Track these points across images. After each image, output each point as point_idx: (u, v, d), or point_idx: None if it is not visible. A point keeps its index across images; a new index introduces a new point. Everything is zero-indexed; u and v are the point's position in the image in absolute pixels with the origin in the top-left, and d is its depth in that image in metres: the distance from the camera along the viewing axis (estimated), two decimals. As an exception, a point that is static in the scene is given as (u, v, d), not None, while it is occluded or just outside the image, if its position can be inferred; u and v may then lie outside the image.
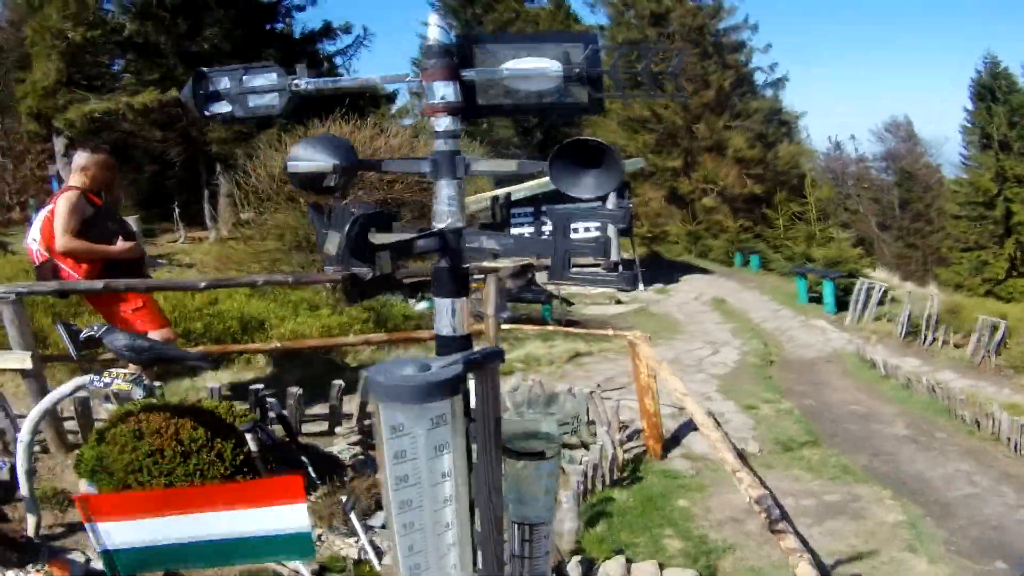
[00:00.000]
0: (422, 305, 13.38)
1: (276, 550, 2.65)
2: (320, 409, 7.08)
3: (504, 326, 8.66)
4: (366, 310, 11.58)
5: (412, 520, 1.18)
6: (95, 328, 5.39)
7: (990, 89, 37.58)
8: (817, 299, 18.43)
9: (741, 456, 6.94)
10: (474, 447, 1.28)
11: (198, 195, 25.55)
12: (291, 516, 2.49)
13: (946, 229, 41.25)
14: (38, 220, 6.09)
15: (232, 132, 22.10)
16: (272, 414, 6.19)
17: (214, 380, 7.73)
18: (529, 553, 1.55)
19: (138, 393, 5.16)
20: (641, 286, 17.27)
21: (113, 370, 5.33)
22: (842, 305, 17.46)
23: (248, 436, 5.26)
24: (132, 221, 17.94)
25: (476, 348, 1.29)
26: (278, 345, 8.59)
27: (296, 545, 2.60)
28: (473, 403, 1.27)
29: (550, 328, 12.37)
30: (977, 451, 8.94)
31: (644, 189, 33.35)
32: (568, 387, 7.98)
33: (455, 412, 1.16)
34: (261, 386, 6.61)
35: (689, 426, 8.07)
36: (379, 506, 5.41)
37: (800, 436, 8.80)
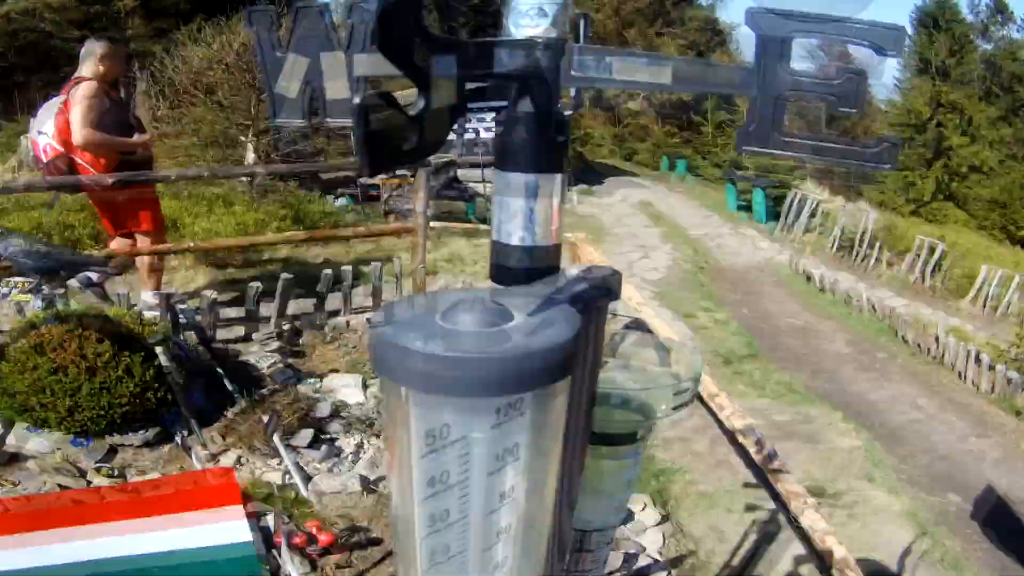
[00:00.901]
0: (341, 201, 13.09)
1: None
2: (236, 313, 6.51)
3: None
4: (283, 206, 11.11)
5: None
6: None
7: (933, 17, 37.79)
8: (746, 207, 18.23)
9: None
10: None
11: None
12: (228, 526, 1.90)
13: None
14: (48, 112, 5.75)
15: (151, 28, 21.03)
16: (184, 320, 5.62)
17: (124, 287, 7.10)
18: (579, 566, 1.07)
19: (37, 304, 4.67)
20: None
21: (11, 279, 4.81)
22: (773, 215, 17.27)
23: (158, 350, 4.71)
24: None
25: (566, 271, 0.75)
26: (191, 245, 7.92)
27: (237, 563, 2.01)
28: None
29: (473, 226, 11.93)
30: (921, 374, 8.85)
31: (567, 92, 32.73)
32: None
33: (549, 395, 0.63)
34: (173, 290, 6.04)
35: (628, 337, 7.72)
36: (303, 424, 5.00)
37: (740, 349, 8.55)
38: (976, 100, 36.99)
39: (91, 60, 5.70)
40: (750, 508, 5.20)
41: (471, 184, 14.29)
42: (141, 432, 5.01)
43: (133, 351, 4.96)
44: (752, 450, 3.83)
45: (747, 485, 4.96)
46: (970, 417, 7.74)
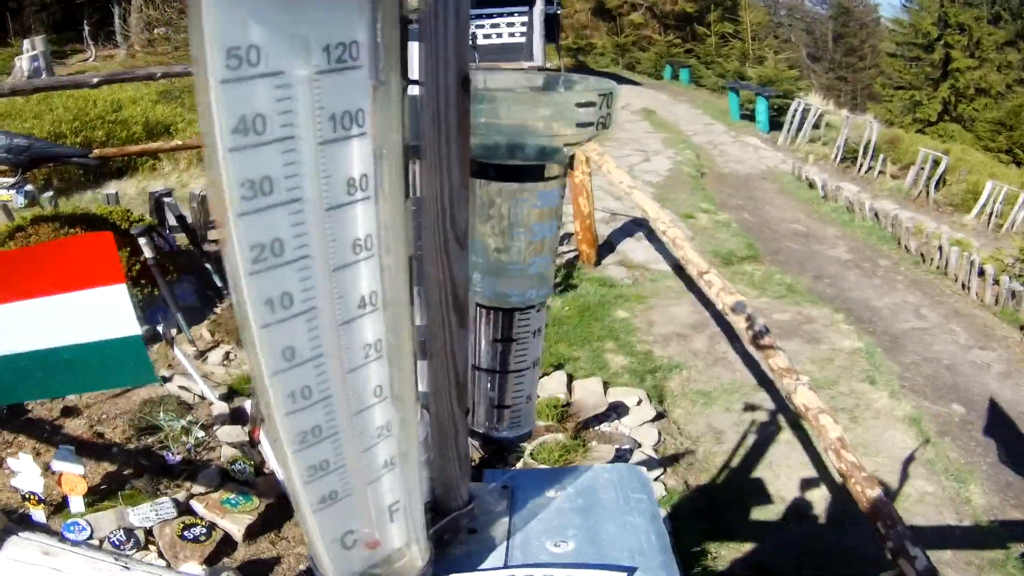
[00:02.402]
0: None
1: (98, 373, 1.90)
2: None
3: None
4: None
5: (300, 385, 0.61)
6: None
7: (943, -65, 36.82)
8: (749, 117, 17.91)
9: (680, 269, 6.54)
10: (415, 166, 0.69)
11: (109, 16, 23.91)
12: (113, 310, 1.77)
13: (879, 67, 41.03)
14: None
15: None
16: (172, 217, 5.54)
17: (118, 188, 7.02)
18: (502, 362, 0.99)
19: (19, 200, 4.59)
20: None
21: None
22: (775, 125, 17.00)
23: (142, 241, 4.64)
24: (40, 42, 16.87)
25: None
26: (179, 143, 7.80)
27: (130, 365, 1.89)
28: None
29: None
30: (923, 283, 8.73)
31: (572, 1, 32.07)
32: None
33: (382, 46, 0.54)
34: (161, 189, 5.95)
35: (624, 232, 7.73)
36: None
37: (740, 250, 8.45)
38: (984, 23, 36.10)
39: None
40: (749, 408, 5.20)
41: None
42: (129, 329, 4.98)
43: (120, 247, 4.91)
44: (742, 327, 3.78)
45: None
46: (974, 328, 7.60)
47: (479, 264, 0.89)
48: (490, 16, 8.43)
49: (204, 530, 3.29)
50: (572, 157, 0.83)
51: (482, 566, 1.05)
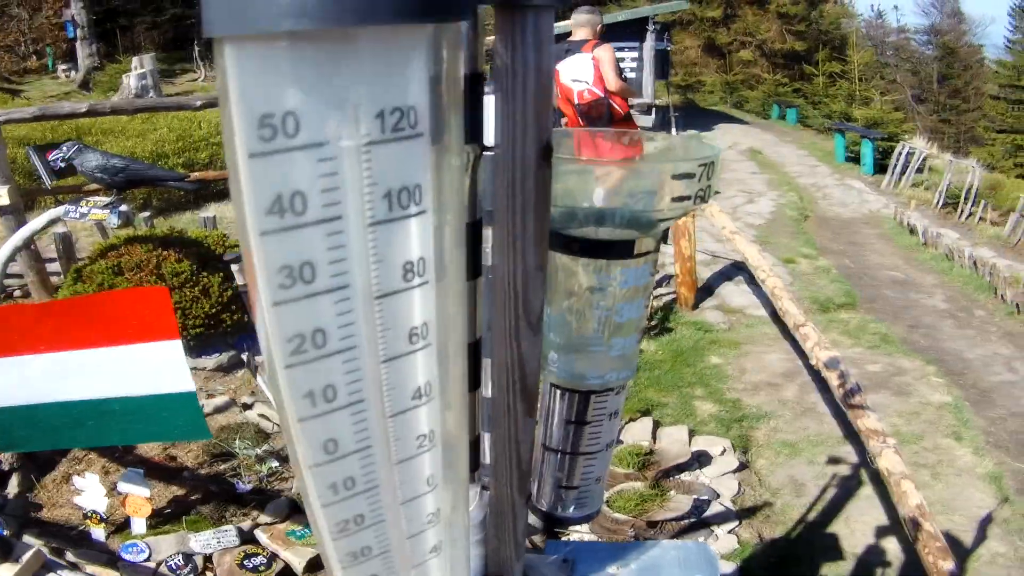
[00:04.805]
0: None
1: (150, 425, 1.86)
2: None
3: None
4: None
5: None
6: (64, 149, 4.78)
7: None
8: (854, 159, 17.59)
9: (776, 315, 6.40)
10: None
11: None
12: (167, 365, 1.73)
13: (983, 109, 41.07)
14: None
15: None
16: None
17: (217, 211, 7.17)
18: (574, 444, 0.91)
19: (113, 221, 4.67)
20: (674, 130, 16.40)
21: (90, 198, 4.83)
22: (880, 168, 16.63)
23: (234, 268, 4.68)
24: (148, 60, 17.51)
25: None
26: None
27: (183, 419, 1.84)
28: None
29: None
30: (1017, 335, 8.33)
31: (682, 37, 32.20)
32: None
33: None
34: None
35: (723, 275, 7.66)
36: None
37: (838, 297, 8.24)
38: None
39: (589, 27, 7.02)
40: (833, 461, 5.01)
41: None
42: (215, 355, 5.03)
43: (212, 272, 4.98)
44: (835, 383, 3.63)
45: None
46: None
47: (555, 343, 0.82)
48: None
49: (265, 560, 3.26)
50: (666, 232, 0.75)
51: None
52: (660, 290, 7.19)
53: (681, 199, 0.69)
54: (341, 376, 0.51)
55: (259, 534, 3.45)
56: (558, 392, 0.87)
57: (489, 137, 0.56)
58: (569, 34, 7.90)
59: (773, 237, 10.17)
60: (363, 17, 0.39)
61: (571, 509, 1.04)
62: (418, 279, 0.50)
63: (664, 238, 0.67)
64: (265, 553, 3.31)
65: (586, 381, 0.85)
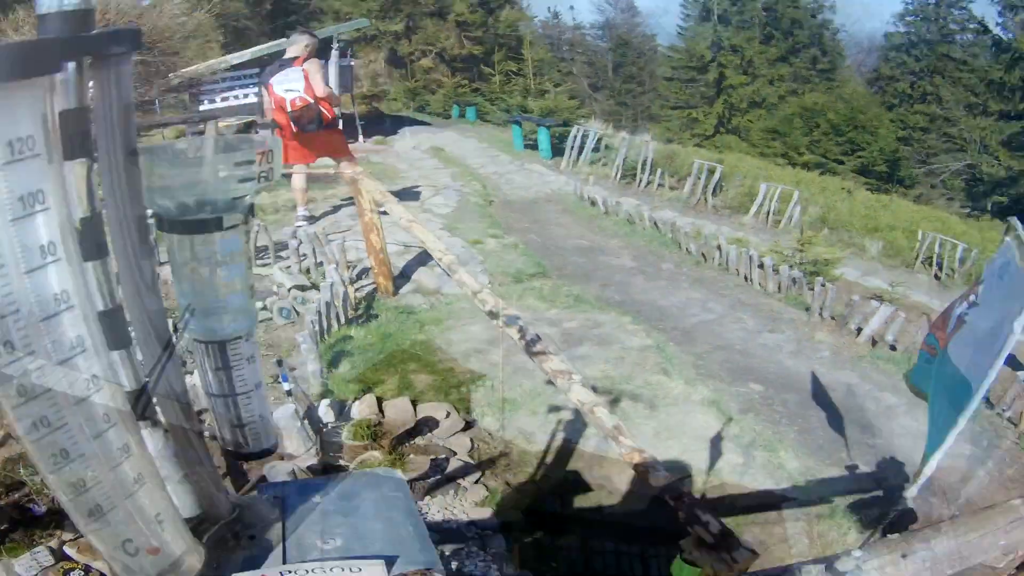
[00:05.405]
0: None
1: None
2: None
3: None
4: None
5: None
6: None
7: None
8: (533, 146, 18.52)
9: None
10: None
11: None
12: None
13: (658, 90, 46.15)
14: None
15: None
16: None
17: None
18: (228, 388, 1.15)
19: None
20: (361, 138, 16.75)
21: None
22: (558, 152, 17.66)
23: None
24: None
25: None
26: None
27: None
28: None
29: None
30: (707, 281, 9.25)
31: (367, 51, 32.67)
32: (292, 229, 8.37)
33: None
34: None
35: (418, 261, 8.06)
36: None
37: (528, 268, 8.79)
38: (756, 42, 40.71)
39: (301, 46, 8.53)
40: (553, 409, 5.44)
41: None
42: None
43: None
44: (516, 337, 4.02)
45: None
46: (761, 315, 8.08)
47: (189, 306, 1.06)
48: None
49: (82, 572, 3.38)
50: (252, 206, 1.02)
51: (264, 565, 1.22)
52: (361, 282, 7.51)
53: (246, 180, 0.97)
54: (16, 335, 0.75)
55: (68, 550, 3.53)
56: (202, 346, 1.12)
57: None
58: (283, 53, 8.92)
59: (460, 223, 10.62)
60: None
61: (251, 445, 1.30)
62: (51, 257, 0.75)
63: (251, 212, 0.91)
64: (80, 566, 3.41)
65: (217, 334, 1.11)
